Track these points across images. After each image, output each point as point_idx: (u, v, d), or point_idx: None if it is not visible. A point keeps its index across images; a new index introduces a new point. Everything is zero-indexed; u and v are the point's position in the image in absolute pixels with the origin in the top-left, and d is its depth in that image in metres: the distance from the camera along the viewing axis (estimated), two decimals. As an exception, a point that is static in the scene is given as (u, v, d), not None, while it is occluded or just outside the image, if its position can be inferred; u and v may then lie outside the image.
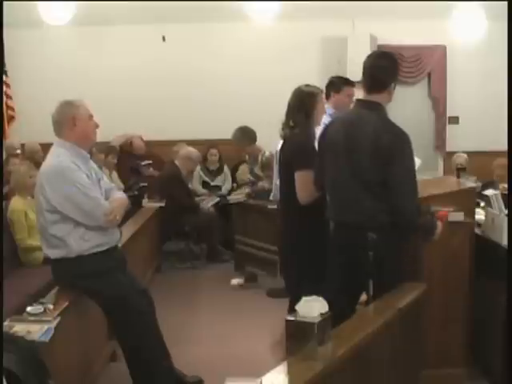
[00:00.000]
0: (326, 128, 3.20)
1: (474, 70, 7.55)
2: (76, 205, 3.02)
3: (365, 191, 2.89)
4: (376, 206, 2.88)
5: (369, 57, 3.02)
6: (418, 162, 3.67)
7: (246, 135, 6.45)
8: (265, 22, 7.21)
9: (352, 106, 3.41)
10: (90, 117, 3.18)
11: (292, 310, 3.10)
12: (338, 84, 4.40)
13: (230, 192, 6.85)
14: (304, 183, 3.35)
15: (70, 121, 3.10)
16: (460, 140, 7.49)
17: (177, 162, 6.49)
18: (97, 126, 3.24)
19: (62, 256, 3.09)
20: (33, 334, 2.60)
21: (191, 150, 6.58)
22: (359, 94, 3.25)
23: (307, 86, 3.59)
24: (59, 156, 3.08)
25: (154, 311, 3.39)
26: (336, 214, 3.09)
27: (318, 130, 3.80)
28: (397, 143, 2.83)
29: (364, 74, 3.01)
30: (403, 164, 2.84)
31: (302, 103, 3.51)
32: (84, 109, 3.16)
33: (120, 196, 3.36)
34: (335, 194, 3.08)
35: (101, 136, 5.89)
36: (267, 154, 5.95)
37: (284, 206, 3.71)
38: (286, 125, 3.56)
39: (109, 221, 3.11)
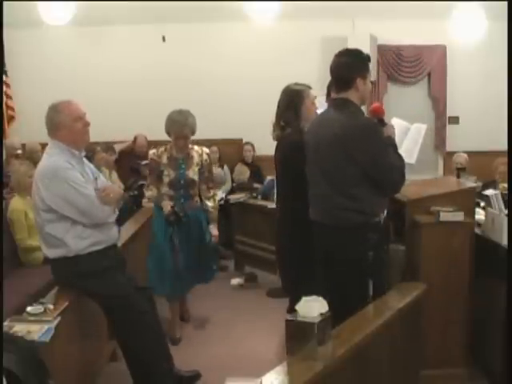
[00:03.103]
0: (308, 128, 3.24)
1: (474, 69, 7.55)
2: (71, 203, 3.02)
3: (333, 191, 2.89)
4: (345, 205, 2.87)
5: (334, 56, 3.00)
6: (423, 127, 3.65)
7: (194, 123, 4.26)
8: (265, 22, 7.21)
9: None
10: (76, 119, 3.11)
11: (291, 309, 3.10)
12: None
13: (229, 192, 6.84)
14: None
15: (56, 126, 3.09)
16: (460, 140, 7.49)
17: None
18: (87, 124, 3.16)
19: (60, 255, 3.09)
20: (33, 334, 2.60)
21: None
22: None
23: (296, 84, 3.58)
24: (52, 156, 3.09)
25: (155, 309, 3.39)
26: (311, 214, 3.10)
27: None
28: (357, 136, 2.81)
29: (330, 74, 3.02)
30: (371, 155, 2.81)
31: (290, 101, 3.50)
32: (67, 113, 3.09)
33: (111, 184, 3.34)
34: (312, 193, 3.10)
35: (101, 136, 5.99)
36: (207, 150, 4.40)
37: (280, 205, 3.70)
38: (276, 125, 3.56)
39: (102, 199, 3.09)
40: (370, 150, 2.81)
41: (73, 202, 3.02)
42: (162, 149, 4.29)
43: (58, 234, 3.06)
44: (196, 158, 4.29)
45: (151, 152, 4.33)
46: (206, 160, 4.33)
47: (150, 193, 4.32)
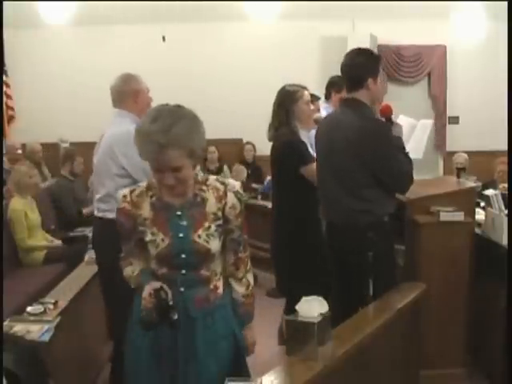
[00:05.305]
0: (318, 128, 3.23)
1: (474, 69, 7.55)
2: (145, 170, 2.95)
3: (344, 192, 2.90)
4: (355, 207, 2.87)
5: (345, 55, 3.01)
6: (429, 122, 3.64)
7: (187, 133, 2.37)
8: (265, 22, 7.22)
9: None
10: (148, 90, 3.29)
11: (288, 310, 3.10)
12: (338, 83, 4.39)
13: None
14: (313, 174, 3.35)
15: (135, 93, 3.22)
16: (460, 140, 7.49)
17: None
18: (151, 99, 3.31)
19: (111, 216, 2.90)
20: (33, 334, 2.60)
21: None
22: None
23: (291, 85, 3.58)
24: (126, 123, 3.08)
25: None
26: (324, 214, 3.13)
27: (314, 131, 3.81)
28: (367, 139, 2.81)
29: (341, 73, 3.01)
30: (381, 159, 2.82)
31: (282, 102, 3.51)
32: (144, 85, 3.29)
33: None
34: (322, 193, 3.12)
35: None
36: (236, 185, 2.14)
37: (275, 205, 3.69)
38: (272, 125, 3.56)
39: None
40: (379, 152, 2.81)
41: (146, 169, 3.00)
42: (140, 188, 2.11)
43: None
44: (212, 205, 2.06)
45: (120, 195, 2.09)
46: (231, 207, 2.07)
47: (127, 269, 2.15)
